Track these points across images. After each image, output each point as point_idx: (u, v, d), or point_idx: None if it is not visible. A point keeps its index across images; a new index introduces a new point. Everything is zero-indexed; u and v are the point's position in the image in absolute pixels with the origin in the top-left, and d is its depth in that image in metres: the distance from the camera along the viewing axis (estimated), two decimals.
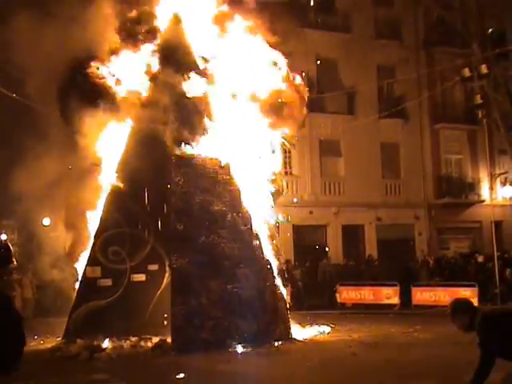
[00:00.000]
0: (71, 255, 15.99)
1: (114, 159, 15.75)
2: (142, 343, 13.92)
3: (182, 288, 13.82)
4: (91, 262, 15.12)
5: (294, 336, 14.94)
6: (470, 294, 21.00)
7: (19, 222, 22.55)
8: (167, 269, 14.55)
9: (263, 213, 15.91)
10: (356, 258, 28.15)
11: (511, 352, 6.05)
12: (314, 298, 24.24)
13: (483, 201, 31.60)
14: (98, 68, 15.42)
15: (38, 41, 14.55)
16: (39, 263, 16.44)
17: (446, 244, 32.30)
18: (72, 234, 16.21)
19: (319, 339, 15.30)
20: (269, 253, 15.48)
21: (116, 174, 15.51)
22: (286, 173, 27.58)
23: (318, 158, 29.72)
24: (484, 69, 24.49)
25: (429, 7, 31.02)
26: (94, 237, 15.25)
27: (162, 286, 14.62)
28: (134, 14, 15.83)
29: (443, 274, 25.11)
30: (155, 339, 13.92)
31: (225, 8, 16.19)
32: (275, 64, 16.31)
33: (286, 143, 17.08)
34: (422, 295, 22.40)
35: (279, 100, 16.01)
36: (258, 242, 15.01)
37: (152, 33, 15.73)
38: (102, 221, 15.27)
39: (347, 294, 23.72)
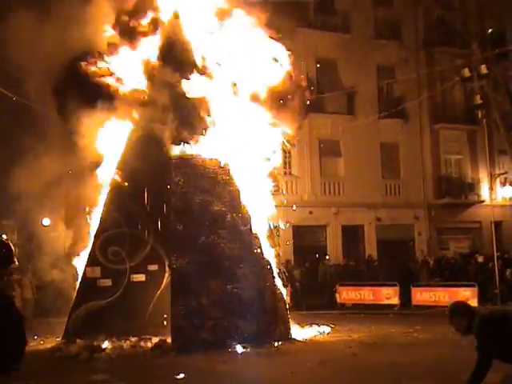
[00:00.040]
0: (71, 253, 15.98)
1: (113, 159, 15.75)
2: (142, 343, 13.92)
3: (181, 288, 13.82)
4: (91, 262, 15.13)
5: (293, 336, 14.95)
6: (469, 294, 21.05)
7: (19, 222, 22.55)
8: (167, 269, 14.55)
9: (263, 213, 15.90)
10: (356, 259, 28.15)
11: (509, 354, 6.06)
12: (314, 298, 24.24)
13: (483, 201, 31.60)
14: (95, 63, 15.37)
15: (34, 38, 14.56)
16: (39, 263, 16.45)
17: (446, 244, 32.30)
18: (72, 232, 16.21)
19: (319, 339, 15.30)
20: (268, 253, 15.48)
21: (116, 174, 15.51)
22: (285, 173, 27.61)
23: (317, 158, 29.72)
24: (484, 69, 24.50)
25: (429, 7, 31.01)
26: (94, 237, 15.25)
27: (162, 286, 14.63)
28: (132, 8, 15.75)
29: (443, 274, 25.10)
30: (155, 339, 13.92)
31: (225, 4, 16.14)
32: (276, 60, 16.24)
33: (286, 143, 17.04)
34: (422, 295, 22.41)
35: (281, 90, 15.93)
36: (257, 242, 15.01)
37: (151, 28, 15.68)
38: (102, 221, 15.27)
39: (347, 295, 23.72)
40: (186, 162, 15.06)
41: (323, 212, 29.18)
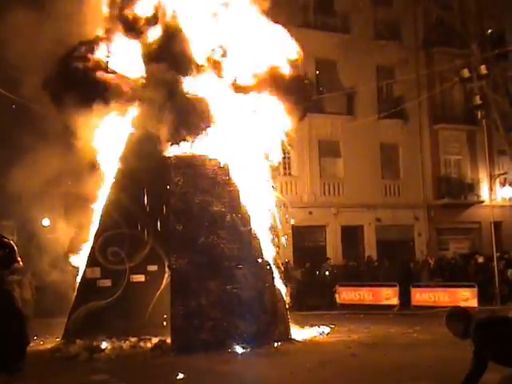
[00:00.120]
0: (71, 252, 15.96)
1: (113, 159, 15.74)
2: (142, 344, 13.91)
3: (181, 289, 13.82)
4: (91, 262, 15.13)
5: (293, 337, 14.94)
6: (469, 294, 21.06)
7: (19, 222, 22.54)
8: (166, 269, 14.54)
9: (263, 213, 15.90)
10: (355, 259, 28.14)
11: (506, 358, 6.09)
12: (314, 298, 24.24)
13: (482, 201, 31.60)
14: (91, 55, 15.29)
15: (28, 34, 14.48)
16: (39, 264, 16.43)
17: (446, 245, 32.31)
18: (72, 232, 16.19)
19: (318, 340, 15.30)
20: (268, 253, 15.48)
21: (115, 174, 15.51)
22: (285, 173, 27.61)
23: (317, 158, 29.72)
24: (483, 69, 24.53)
25: (428, 8, 31.01)
26: (94, 237, 15.25)
27: (162, 286, 14.61)
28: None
29: (444, 274, 25.10)
30: (155, 340, 13.92)
31: None
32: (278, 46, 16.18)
33: (286, 144, 17.01)
34: (422, 296, 22.40)
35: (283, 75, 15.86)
36: (257, 243, 15.00)
37: (150, 19, 15.58)
38: (102, 221, 15.28)
39: (346, 295, 23.71)
40: (185, 162, 15.05)
41: (323, 212, 29.17)
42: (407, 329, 16.43)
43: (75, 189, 15.55)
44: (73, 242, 16.24)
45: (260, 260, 14.84)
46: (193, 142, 15.26)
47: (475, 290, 21.08)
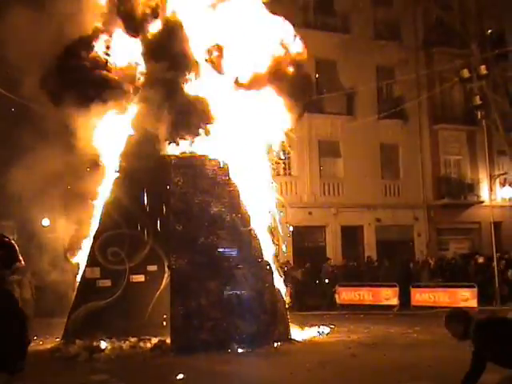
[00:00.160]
0: (71, 248, 15.95)
1: (113, 158, 15.74)
2: (142, 344, 13.90)
3: (181, 289, 13.82)
4: (90, 262, 15.12)
5: (293, 337, 14.93)
6: (469, 295, 21.06)
7: (18, 222, 22.53)
8: (166, 269, 14.53)
9: (262, 214, 15.90)
10: (355, 259, 28.13)
11: (506, 359, 6.10)
12: (314, 298, 24.24)
13: (482, 202, 31.59)
14: (91, 49, 15.25)
15: (26, 32, 14.44)
16: (38, 264, 16.43)
17: (446, 245, 32.32)
18: (72, 231, 16.19)
19: (318, 340, 15.30)
20: (268, 253, 15.48)
21: (115, 175, 15.51)
22: (285, 174, 27.61)
23: (317, 158, 29.72)
24: (483, 69, 24.53)
25: (428, 8, 31.02)
26: (93, 238, 15.24)
27: (161, 286, 14.60)
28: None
29: (444, 274, 25.09)
30: (154, 340, 13.91)
31: None
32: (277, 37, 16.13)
33: (286, 144, 17.00)
34: (421, 296, 22.39)
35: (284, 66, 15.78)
36: (257, 243, 15.00)
37: (149, 18, 15.53)
38: (101, 222, 15.27)
39: (346, 295, 23.71)
40: (185, 162, 15.05)
41: (322, 213, 29.18)
42: (407, 329, 16.43)
43: (75, 188, 15.54)
44: (73, 239, 16.24)
45: (260, 260, 14.85)
46: (193, 142, 15.25)
47: (475, 290, 21.08)
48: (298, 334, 15.40)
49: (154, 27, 15.54)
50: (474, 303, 20.48)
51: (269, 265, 15.11)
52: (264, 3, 16.04)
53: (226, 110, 15.44)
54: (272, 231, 16.22)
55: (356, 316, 20.64)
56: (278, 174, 17.43)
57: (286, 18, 16.41)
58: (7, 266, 5.51)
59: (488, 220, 25.80)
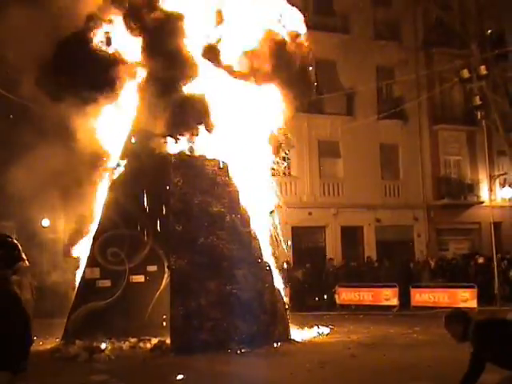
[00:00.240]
0: (71, 243, 15.95)
1: (113, 159, 15.74)
2: (141, 344, 13.91)
3: (181, 289, 13.82)
4: (90, 263, 15.12)
5: (292, 337, 14.95)
6: (469, 295, 21.04)
7: (18, 223, 22.55)
8: (166, 270, 14.54)
9: (262, 214, 15.90)
10: (355, 260, 28.12)
11: (505, 359, 6.11)
12: (314, 299, 24.25)
13: (482, 202, 31.58)
14: (90, 40, 15.17)
15: (24, 29, 14.40)
16: (39, 264, 16.44)
17: (445, 245, 32.32)
18: (72, 226, 16.18)
19: (318, 340, 15.31)
20: (268, 254, 15.48)
21: (115, 175, 15.51)
22: (284, 174, 27.58)
23: (316, 159, 29.72)
24: (483, 70, 24.54)
25: (428, 8, 31.03)
26: (93, 238, 15.24)
27: (161, 287, 14.61)
28: None
29: (445, 275, 25.09)
30: (154, 340, 13.92)
31: None
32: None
33: (285, 144, 16.97)
34: (421, 296, 22.39)
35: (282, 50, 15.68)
36: (256, 243, 15.01)
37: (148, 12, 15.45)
38: (101, 222, 15.27)
39: (346, 296, 23.71)
40: (185, 162, 15.06)
41: (322, 213, 29.17)
42: (407, 329, 16.43)
43: (75, 188, 15.54)
44: (72, 235, 16.22)
45: (260, 260, 14.85)
46: (192, 141, 15.23)
47: (475, 290, 21.07)
48: (298, 334, 15.41)
49: (153, 21, 15.35)
50: (473, 304, 20.47)
51: (268, 265, 15.11)
52: None
53: (225, 106, 15.34)
54: (272, 232, 16.24)
55: (356, 316, 20.65)
56: (278, 174, 17.33)
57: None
58: (9, 266, 5.51)
59: (488, 220, 25.80)
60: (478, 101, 24.80)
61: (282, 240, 16.63)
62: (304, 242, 29.12)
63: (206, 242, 14.33)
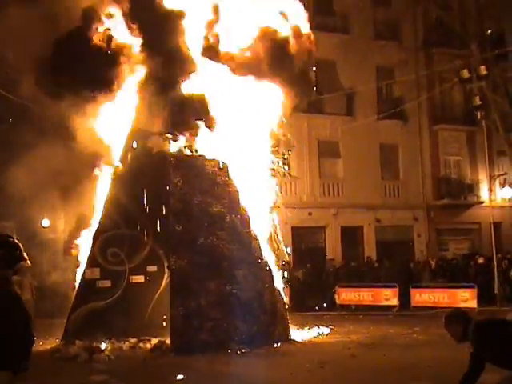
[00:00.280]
0: (71, 241, 15.95)
1: (112, 159, 15.73)
2: (141, 344, 13.90)
3: (180, 289, 13.82)
4: (90, 263, 15.12)
5: (292, 337, 14.95)
6: (469, 295, 21.04)
7: (18, 223, 22.55)
8: (166, 270, 14.53)
9: (262, 214, 15.89)
10: (355, 260, 28.12)
11: (505, 360, 6.11)
12: (314, 299, 24.24)
13: (482, 202, 31.57)
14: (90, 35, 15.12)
15: (22, 28, 14.38)
16: (39, 264, 16.44)
17: (445, 245, 32.32)
18: (71, 226, 16.17)
19: (318, 340, 15.31)
20: (268, 254, 15.48)
21: (115, 175, 15.51)
22: (284, 174, 27.55)
23: (316, 159, 29.72)
24: (483, 70, 24.53)
25: (428, 8, 31.05)
26: (93, 238, 15.24)
27: (161, 287, 14.60)
28: None
29: (445, 275, 25.09)
30: (154, 340, 13.91)
31: None
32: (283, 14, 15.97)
33: (285, 144, 16.97)
34: (421, 297, 22.39)
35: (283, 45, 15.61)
36: (256, 244, 15.00)
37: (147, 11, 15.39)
38: (101, 222, 15.27)
39: (346, 296, 23.71)
40: (184, 162, 15.06)
41: (322, 213, 29.17)
42: (407, 329, 16.44)
43: (75, 189, 15.54)
44: (72, 232, 16.21)
45: (260, 261, 14.85)
46: (192, 140, 15.22)
47: (475, 290, 21.08)
48: (298, 334, 15.41)
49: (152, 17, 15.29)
50: (473, 304, 20.48)
51: (268, 265, 15.11)
52: None
53: (225, 105, 15.31)
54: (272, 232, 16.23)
55: (356, 316, 20.65)
56: (279, 174, 17.33)
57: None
58: (10, 266, 5.51)
59: (488, 220, 25.80)
60: (477, 101, 24.79)
61: (281, 241, 16.64)
62: (304, 242, 29.13)
63: (206, 243, 14.33)
